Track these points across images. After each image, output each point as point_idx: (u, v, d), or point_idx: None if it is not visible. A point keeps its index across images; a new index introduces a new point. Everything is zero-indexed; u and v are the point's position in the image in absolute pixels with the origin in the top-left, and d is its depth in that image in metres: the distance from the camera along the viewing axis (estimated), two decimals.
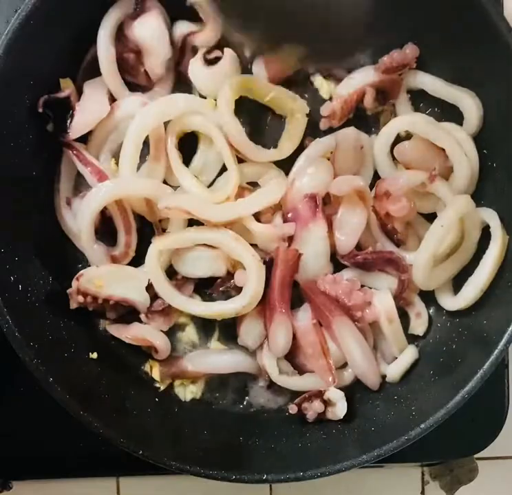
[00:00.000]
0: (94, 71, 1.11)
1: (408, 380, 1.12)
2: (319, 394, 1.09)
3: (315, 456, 1.04)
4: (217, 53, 1.11)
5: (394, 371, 1.11)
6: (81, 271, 1.09)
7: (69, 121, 1.10)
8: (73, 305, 1.09)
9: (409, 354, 1.12)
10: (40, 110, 1.07)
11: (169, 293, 1.10)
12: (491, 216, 1.09)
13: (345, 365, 1.12)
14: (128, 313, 1.13)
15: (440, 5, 1.07)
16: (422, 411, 1.04)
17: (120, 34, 1.10)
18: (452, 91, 1.12)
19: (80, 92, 1.11)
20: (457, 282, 1.13)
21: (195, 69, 1.11)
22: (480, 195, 1.12)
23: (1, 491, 1.17)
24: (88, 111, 1.10)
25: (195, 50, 1.12)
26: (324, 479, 1.01)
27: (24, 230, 1.07)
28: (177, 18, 1.12)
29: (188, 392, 1.14)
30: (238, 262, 1.09)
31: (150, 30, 1.09)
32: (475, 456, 1.21)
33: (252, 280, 1.07)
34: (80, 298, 1.09)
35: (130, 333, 1.11)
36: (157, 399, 1.12)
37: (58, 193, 1.13)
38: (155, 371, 1.12)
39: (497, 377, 1.14)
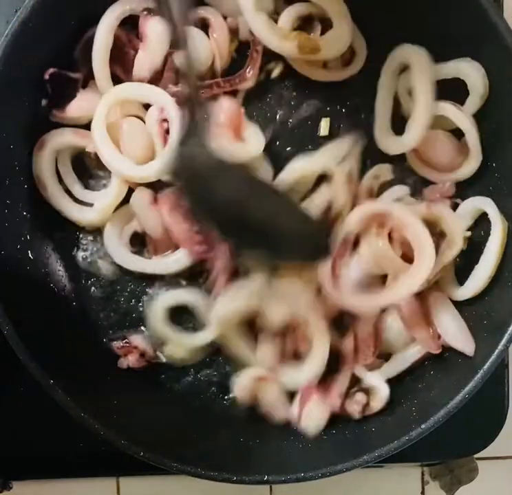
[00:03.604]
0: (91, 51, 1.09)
1: (408, 380, 1.12)
2: (359, 386, 1.10)
3: (316, 457, 1.04)
4: None
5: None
6: None
7: (68, 101, 1.09)
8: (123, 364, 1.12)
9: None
10: (47, 77, 1.06)
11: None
12: (488, 205, 1.09)
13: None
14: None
15: (439, 5, 1.06)
16: (422, 411, 1.04)
17: (132, 28, 1.10)
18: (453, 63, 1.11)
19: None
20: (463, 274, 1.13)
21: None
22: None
23: (1, 491, 1.17)
24: (89, 101, 1.10)
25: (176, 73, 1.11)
26: (324, 479, 1.01)
27: (18, 229, 1.08)
28: None
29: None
30: None
31: (157, 32, 1.08)
32: (475, 456, 1.21)
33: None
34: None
35: None
36: (158, 401, 1.12)
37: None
38: None
39: (497, 377, 1.14)
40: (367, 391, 1.09)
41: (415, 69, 1.10)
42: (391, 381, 1.11)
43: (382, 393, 1.09)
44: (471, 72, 1.09)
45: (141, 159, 1.09)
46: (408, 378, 1.12)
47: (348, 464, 1.00)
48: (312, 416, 1.09)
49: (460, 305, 1.11)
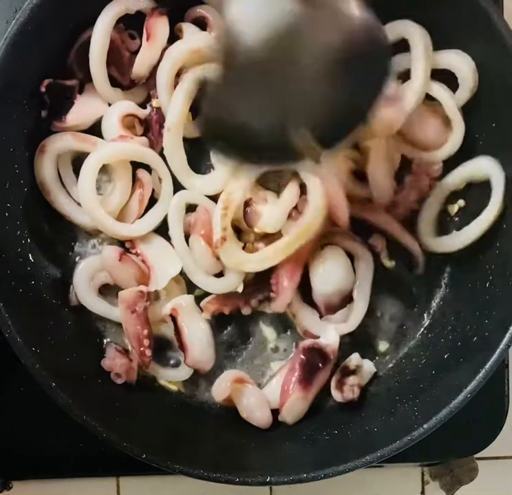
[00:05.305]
0: (85, 55, 1.09)
1: (410, 380, 1.12)
2: (347, 369, 1.11)
3: (317, 458, 1.04)
4: None
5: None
6: None
7: (67, 110, 1.09)
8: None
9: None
10: (43, 89, 1.06)
11: None
12: (492, 168, 1.09)
13: None
14: None
15: (439, 5, 1.07)
16: (424, 411, 1.04)
17: (125, 29, 1.11)
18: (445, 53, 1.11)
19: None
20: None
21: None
22: None
23: (1, 491, 1.17)
24: (88, 106, 1.10)
25: None
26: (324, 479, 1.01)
27: (18, 231, 1.07)
28: None
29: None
30: None
31: (163, 31, 1.09)
32: (475, 456, 1.21)
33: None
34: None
35: None
36: (159, 403, 1.12)
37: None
38: None
39: (497, 377, 1.14)
40: (354, 371, 1.11)
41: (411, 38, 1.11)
42: (392, 382, 1.12)
43: (367, 369, 1.12)
44: (462, 65, 1.10)
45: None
46: (410, 378, 1.12)
47: (351, 464, 1.00)
48: (293, 409, 1.10)
49: (461, 304, 1.12)
